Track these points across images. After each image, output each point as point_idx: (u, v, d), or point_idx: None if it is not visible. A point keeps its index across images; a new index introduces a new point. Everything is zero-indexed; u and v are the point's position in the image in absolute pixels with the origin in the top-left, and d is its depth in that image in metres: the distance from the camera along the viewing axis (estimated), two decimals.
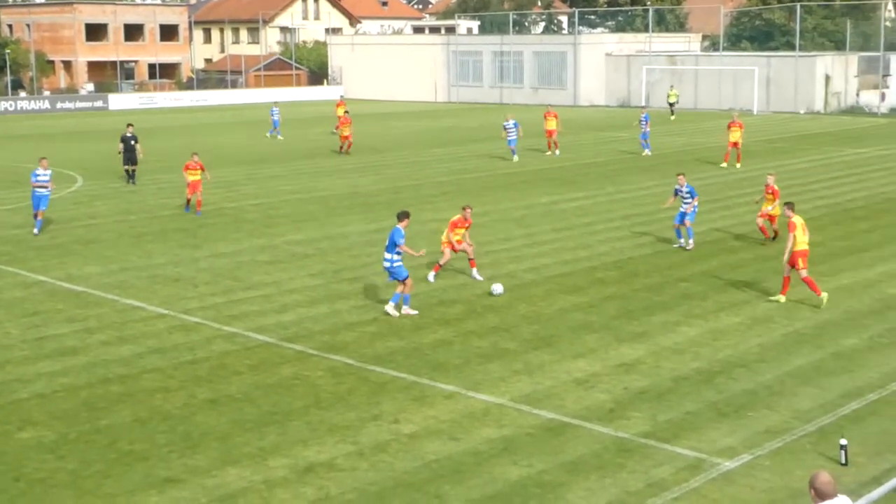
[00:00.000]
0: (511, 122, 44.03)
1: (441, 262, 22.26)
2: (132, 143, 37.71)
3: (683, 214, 25.32)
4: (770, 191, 25.53)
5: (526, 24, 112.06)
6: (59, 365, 16.88)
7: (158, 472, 12.76)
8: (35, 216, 28.48)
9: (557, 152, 46.13)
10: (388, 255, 19.46)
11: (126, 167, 38.20)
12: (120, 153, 38.28)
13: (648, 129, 46.21)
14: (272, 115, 57.12)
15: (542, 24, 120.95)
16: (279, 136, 55.99)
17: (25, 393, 15.58)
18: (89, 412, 14.78)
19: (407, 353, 17.40)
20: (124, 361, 17.08)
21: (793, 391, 15.44)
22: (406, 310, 19.65)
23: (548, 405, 14.90)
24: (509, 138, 44.01)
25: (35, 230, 28.20)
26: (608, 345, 17.82)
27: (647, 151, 45.99)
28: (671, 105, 67.44)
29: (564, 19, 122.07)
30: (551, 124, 46.47)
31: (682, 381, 15.95)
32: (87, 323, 19.40)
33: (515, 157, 44.14)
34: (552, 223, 29.36)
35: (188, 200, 31.67)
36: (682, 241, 25.50)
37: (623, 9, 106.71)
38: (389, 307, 19.74)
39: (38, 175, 28.42)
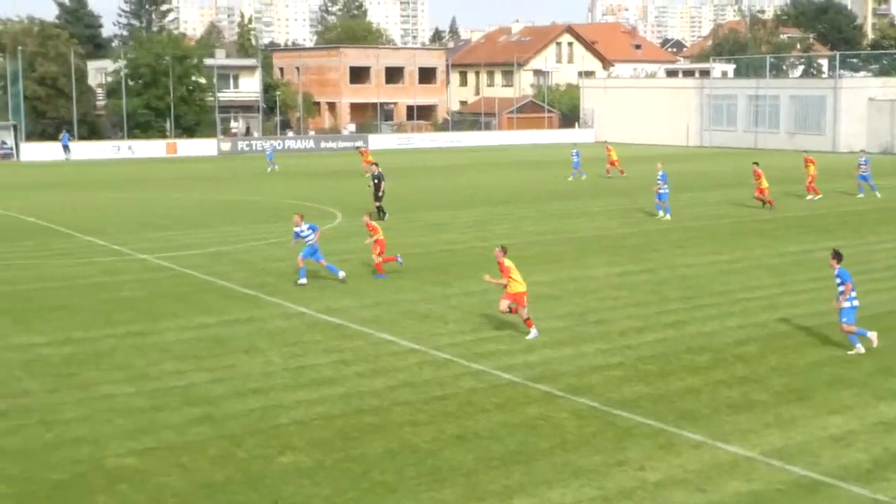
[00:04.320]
0: (864, 159, 47.36)
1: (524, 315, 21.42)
2: (376, 181, 40.05)
3: None
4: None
5: (783, 67, 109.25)
6: (317, 394, 17.64)
7: None
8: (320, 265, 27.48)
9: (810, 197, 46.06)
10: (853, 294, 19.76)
11: (376, 203, 40.33)
12: (370, 187, 41.07)
13: (868, 172, 47.01)
14: (573, 156, 58.34)
15: (801, 67, 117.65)
16: (583, 176, 57.48)
17: (285, 419, 16.36)
18: (343, 441, 15.38)
19: (653, 400, 17.24)
20: (377, 394, 17.69)
21: None
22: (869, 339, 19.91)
23: (800, 461, 14.42)
24: (861, 174, 46.81)
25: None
26: (866, 402, 17.07)
27: (861, 195, 46.74)
28: None
29: (825, 63, 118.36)
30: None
31: None
32: (343, 355, 20.20)
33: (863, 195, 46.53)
34: (807, 272, 28.41)
35: (380, 265, 28.24)
36: None
37: (888, 52, 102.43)
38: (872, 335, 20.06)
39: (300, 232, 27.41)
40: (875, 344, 19.99)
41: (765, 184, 42.73)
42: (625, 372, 18.91)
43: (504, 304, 21.38)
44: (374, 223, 28.59)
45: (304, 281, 26.95)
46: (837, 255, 20.12)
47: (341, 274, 27.17)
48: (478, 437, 15.54)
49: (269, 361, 19.72)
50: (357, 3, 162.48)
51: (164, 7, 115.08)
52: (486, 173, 63.23)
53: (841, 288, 19.80)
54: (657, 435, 15.53)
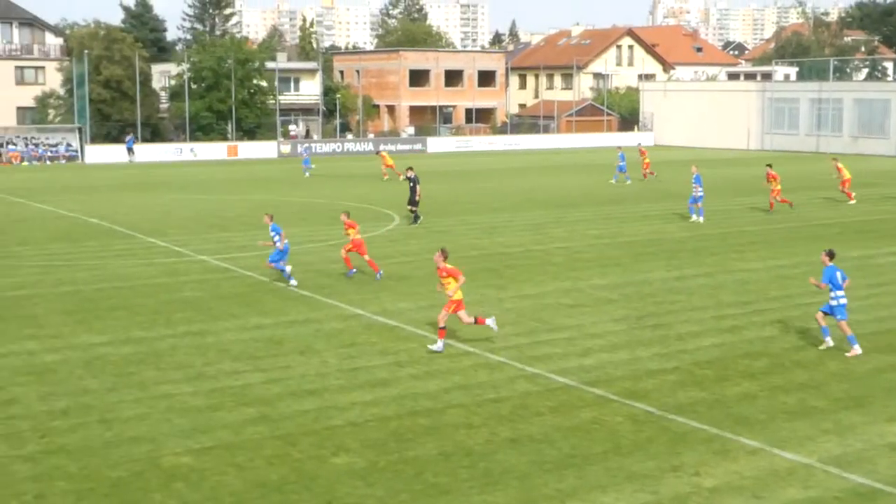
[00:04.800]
0: None
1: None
2: (411, 184, 39.60)
3: None
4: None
5: (847, 70, 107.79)
6: (371, 395, 17.73)
7: None
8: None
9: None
10: (838, 293, 20.02)
11: (408, 207, 39.97)
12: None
13: None
14: (619, 160, 57.97)
15: (865, 70, 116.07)
16: (627, 181, 57.13)
17: (340, 420, 16.47)
18: (397, 442, 15.45)
19: (709, 405, 17.11)
20: (431, 396, 17.74)
21: None
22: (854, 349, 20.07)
23: (859, 469, 14.24)
24: None
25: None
26: None
27: None
28: None
29: (890, 66, 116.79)
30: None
31: None
32: (398, 356, 20.29)
33: None
34: (867, 278, 28.02)
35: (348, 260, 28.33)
36: None
37: None
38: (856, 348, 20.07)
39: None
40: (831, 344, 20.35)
41: (778, 186, 42.36)
42: (680, 377, 18.79)
43: (459, 315, 20.79)
44: (351, 220, 28.20)
45: (293, 282, 27.31)
46: (830, 254, 20.52)
47: (293, 281, 27.32)
48: (531, 440, 15.53)
49: (324, 362, 19.86)
50: (417, 7, 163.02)
51: (228, 11, 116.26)
52: (543, 176, 63.12)
53: (824, 286, 20.17)
54: (713, 440, 15.41)
